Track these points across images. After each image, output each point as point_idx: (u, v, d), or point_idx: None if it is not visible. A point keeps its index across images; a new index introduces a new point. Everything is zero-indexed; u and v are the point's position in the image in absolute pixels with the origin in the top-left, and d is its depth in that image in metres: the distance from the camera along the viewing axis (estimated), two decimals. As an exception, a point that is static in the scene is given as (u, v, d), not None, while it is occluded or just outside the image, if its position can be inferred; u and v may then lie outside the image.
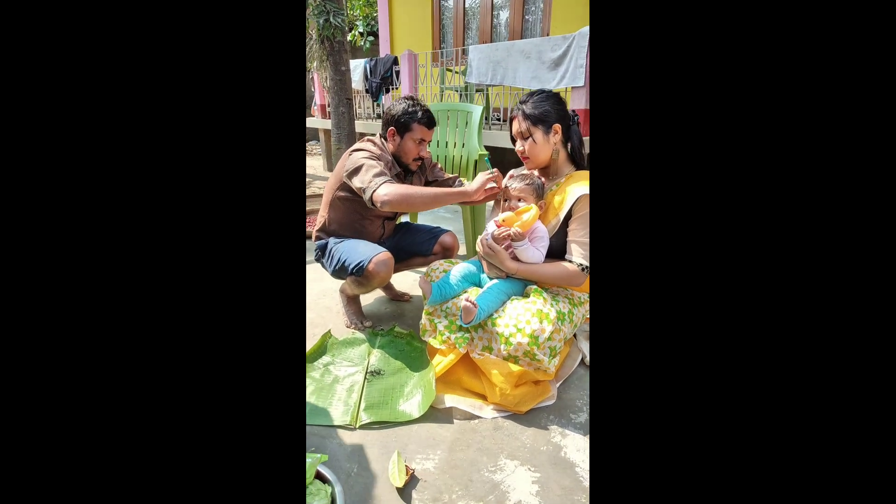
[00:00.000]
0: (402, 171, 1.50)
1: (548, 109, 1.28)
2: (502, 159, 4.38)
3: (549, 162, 1.35)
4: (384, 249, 1.40)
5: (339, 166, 1.47)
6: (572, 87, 3.06)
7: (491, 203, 1.53)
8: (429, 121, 1.44)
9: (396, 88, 4.49)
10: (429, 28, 5.70)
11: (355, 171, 1.34)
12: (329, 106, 3.50)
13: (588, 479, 0.99)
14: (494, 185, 1.32)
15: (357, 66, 4.65)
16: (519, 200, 1.28)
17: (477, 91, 3.97)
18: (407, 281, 1.98)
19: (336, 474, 0.98)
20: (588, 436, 1.12)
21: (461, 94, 4.13)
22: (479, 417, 1.18)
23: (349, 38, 5.28)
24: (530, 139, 1.30)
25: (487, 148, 4.08)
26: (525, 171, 1.34)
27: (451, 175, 1.65)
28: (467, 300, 1.17)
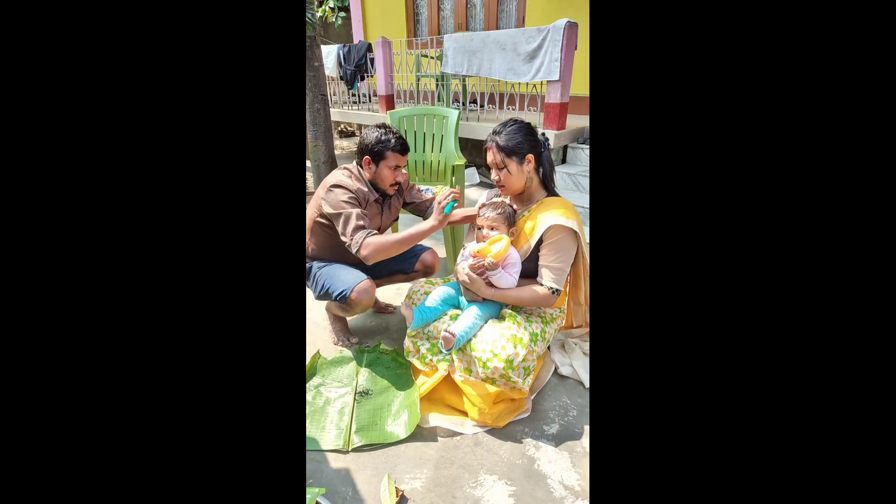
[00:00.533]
0: (380, 196, 1.55)
1: (520, 141, 1.33)
2: (481, 146, 4.39)
3: (523, 189, 1.41)
4: (366, 277, 1.47)
5: (317, 196, 1.51)
6: (548, 81, 3.08)
7: (468, 224, 1.60)
8: (402, 147, 1.48)
9: (371, 76, 4.41)
10: (402, 7, 5.53)
11: (336, 216, 1.40)
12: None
13: (557, 490, 1.12)
14: (455, 203, 1.36)
15: (330, 53, 4.53)
16: (491, 229, 1.35)
17: (454, 78, 3.93)
18: (389, 292, 2.06)
19: (333, 500, 1.09)
20: (559, 447, 1.25)
21: (438, 82, 4.10)
22: (461, 434, 1.29)
23: (320, 13, 5.09)
24: (505, 170, 1.36)
25: (465, 140, 4.09)
26: (497, 200, 1.41)
27: (427, 197, 1.70)
28: (447, 331, 1.26)
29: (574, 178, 3.14)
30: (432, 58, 4.30)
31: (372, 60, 4.33)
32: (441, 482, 1.15)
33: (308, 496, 0.98)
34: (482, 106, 4.23)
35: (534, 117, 3.45)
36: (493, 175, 1.40)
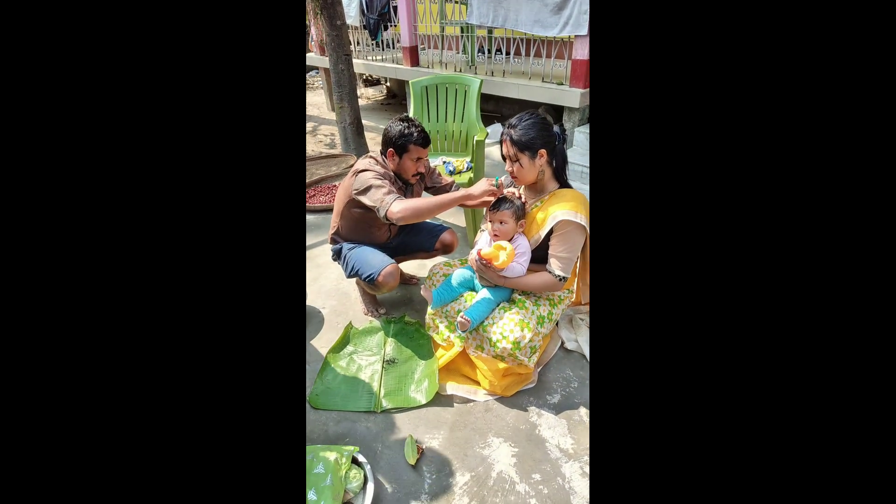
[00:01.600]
0: (403, 185, 1.66)
1: (533, 137, 1.39)
2: (506, 100, 4.29)
3: (535, 180, 1.49)
4: (392, 261, 1.62)
5: (348, 183, 1.63)
6: (575, 36, 2.94)
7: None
8: (424, 140, 1.55)
9: (395, 25, 4.27)
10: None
11: (365, 190, 1.51)
12: (326, 55, 3.42)
13: (553, 452, 1.33)
14: (493, 197, 1.46)
15: (351, 0, 4.38)
16: (501, 223, 1.45)
17: (479, 29, 3.78)
18: (413, 265, 2.22)
19: (366, 453, 1.33)
20: (558, 415, 1.44)
21: (462, 32, 3.95)
22: (473, 401, 1.50)
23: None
24: (517, 163, 1.43)
25: (493, 98, 3.99)
26: (508, 192, 1.49)
27: (447, 181, 1.79)
28: (463, 317, 1.42)
29: (599, 139, 3.09)
30: (456, 2, 4.10)
31: (395, 9, 4.17)
32: (455, 442, 1.36)
33: (345, 453, 1.22)
34: (507, 54, 4.07)
35: (560, 72, 3.33)
36: (507, 166, 1.48)
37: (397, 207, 1.41)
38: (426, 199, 1.43)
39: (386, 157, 1.61)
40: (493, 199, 1.45)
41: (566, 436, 1.37)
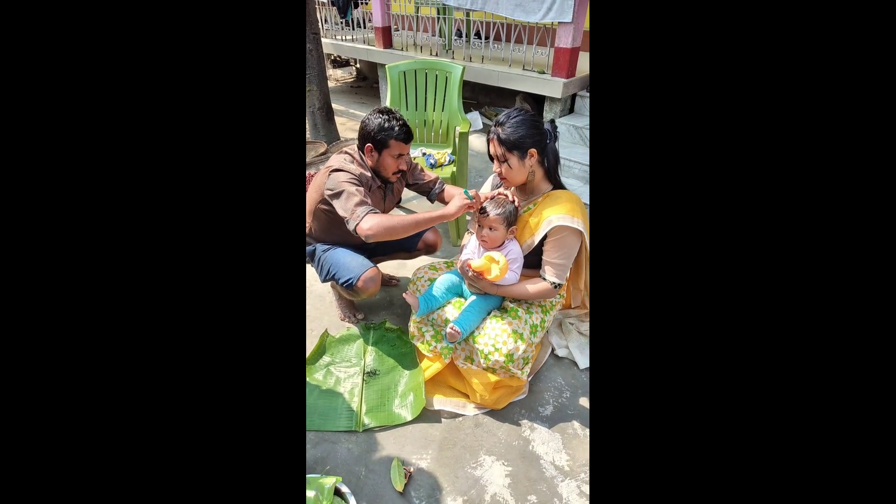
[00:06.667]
0: (382, 183, 1.52)
1: (523, 136, 1.28)
2: (485, 88, 4.14)
3: (526, 181, 1.38)
4: (372, 265, 1.49)
5: (320, 181, 1.48)
6: (559, 23, 2.83)
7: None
8: (406, 135, 1.41)
9: (366, 3, 4.02)
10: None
11: (337, 194, 1.37)
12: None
13: (549, 470, 1.26)
14: (471, 209, 1.36)
15: (319, -27, 4.08)
16: (490, 229, 1.34)
17: (457, 11, 3.60)
18: (393, 264, 2.09)
19: (349, 480, 1.22)
20: (551, 429, 1.37)
21: (439, 14, 3.76)
22: (463, 415, 1.41)
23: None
24: (506, 164, 1.32)
25: (469, 84, 3.84)
26: (500, 198, 1.38)
27: (431, 177, 1.66)
28: (452, 328, 1.31)
29: (581, 131, 3.02)
30: (433, -19, 3.90)
31: (366, -15, 3.92)
32: (445, 462, 1.27)
33: (326, 487, 1.10)
34: (487, 38, 3.92)
35: (542, 60, 3.22)
36: (495, 166, 1.37)
37: (368, 224, 1.29)
38: (400, 218, 1.32)
39: (363, 152, 1.47)
40: (472, 205, 1.34)
41: (561, 451, 1.31)
